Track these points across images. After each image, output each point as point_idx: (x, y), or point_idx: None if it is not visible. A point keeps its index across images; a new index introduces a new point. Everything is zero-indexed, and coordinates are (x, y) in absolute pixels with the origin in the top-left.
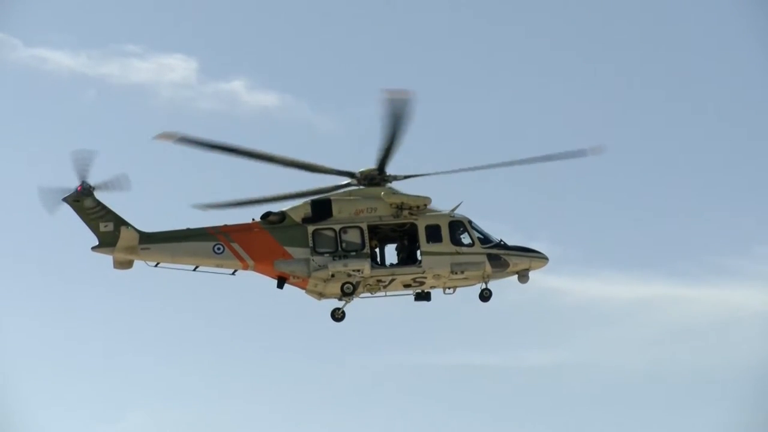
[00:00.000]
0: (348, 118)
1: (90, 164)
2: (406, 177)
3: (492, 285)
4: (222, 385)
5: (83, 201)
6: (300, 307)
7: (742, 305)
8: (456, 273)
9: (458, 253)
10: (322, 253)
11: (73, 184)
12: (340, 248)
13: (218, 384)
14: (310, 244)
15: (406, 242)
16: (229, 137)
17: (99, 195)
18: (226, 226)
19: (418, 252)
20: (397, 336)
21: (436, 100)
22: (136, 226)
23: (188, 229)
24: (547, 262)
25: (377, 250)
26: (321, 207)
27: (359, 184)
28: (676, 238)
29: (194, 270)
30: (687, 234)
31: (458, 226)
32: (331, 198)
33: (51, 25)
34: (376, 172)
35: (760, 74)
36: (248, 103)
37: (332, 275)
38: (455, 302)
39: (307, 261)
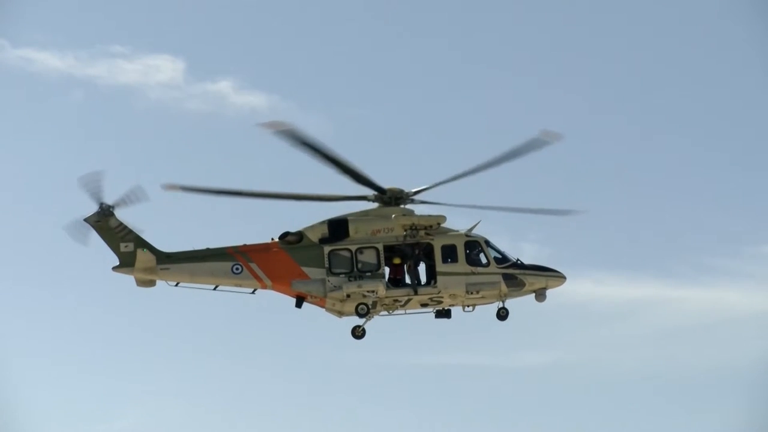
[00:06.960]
0: (336, 118)
1: (101, 185)
2: (423, 202)
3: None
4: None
5: (104, 222)
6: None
7: (733, 306)
8: (471, 293)
9: (473, 273)
10: (337, 274)
11: (84, 203)
12: (355, 269)
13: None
14: (326, 265)
15: (422, 262)
16: (217, 138)
17: (119, 213)
18: (245, 245)
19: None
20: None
21: (427, 99)
22: (153, 243)
23: (207, 249)
24: (564, 281)
25: (396, 269)
26: (338, 227)
27: (376, 201)
28: (667, 240)
29: (214, 289)
30: (677, 235)
31: (474, 245)
32: (348, 218)
33: (38, 25)
34: (398, 192)
35: (753, 77)
36: (236, 103)
37: (347, 296)
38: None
39: (323, 281)
